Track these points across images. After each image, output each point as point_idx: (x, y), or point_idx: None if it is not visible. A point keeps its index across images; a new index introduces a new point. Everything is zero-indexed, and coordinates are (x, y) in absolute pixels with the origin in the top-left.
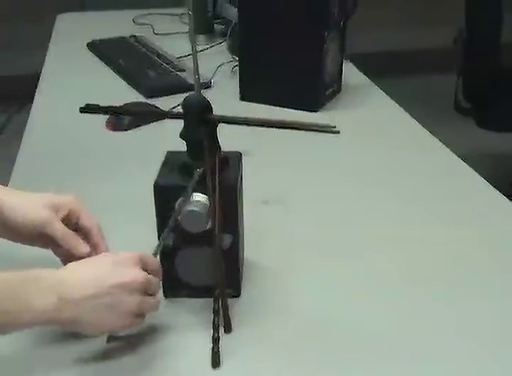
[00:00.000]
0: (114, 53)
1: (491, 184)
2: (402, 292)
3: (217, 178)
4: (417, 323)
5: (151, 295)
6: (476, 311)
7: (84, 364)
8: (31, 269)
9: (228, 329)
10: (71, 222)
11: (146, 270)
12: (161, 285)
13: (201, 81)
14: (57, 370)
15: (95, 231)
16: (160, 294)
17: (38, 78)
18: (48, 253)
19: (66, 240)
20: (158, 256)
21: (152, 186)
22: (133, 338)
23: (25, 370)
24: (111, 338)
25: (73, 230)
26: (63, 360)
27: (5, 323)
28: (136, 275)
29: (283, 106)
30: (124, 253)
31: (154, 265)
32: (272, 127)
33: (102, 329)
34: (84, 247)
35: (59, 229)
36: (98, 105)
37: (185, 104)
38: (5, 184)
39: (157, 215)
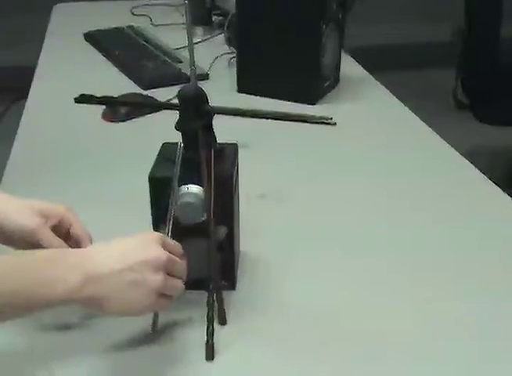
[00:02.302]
0: (111, 44)
1: (489, 178)
2: (401, 287)
3: (212, 170)
4: (415, 320)
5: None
6: (476, 310)
7: (78, 355)
8: None
9: (222, 322)
10: (62, 231)
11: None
12: None
13: (198, 72)
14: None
15: (85, 242)
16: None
17: (35, 69)
18: None
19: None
20: None
21: (147, 178)
22: (128, 329)
23: (25, 359)
24: (155, 327)
25: (64, 238)
26: (60, 351)
27: (29, 302)
28: (160, 253)
29: (280, 99)
30: (146, 232)
31: (175, 248)
32: (268, 118)
33: (125, 308)
34: None
35: (47, 238)
36: (92, 95)
37: (180, 95)
38: (1, 174)
39: (152, 207)
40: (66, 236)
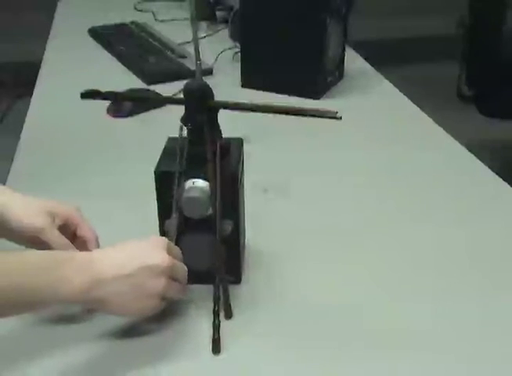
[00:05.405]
0: (115, 39)
1: (493, 171)
2: (404, 282)
3: (218, 164)
4: (415, 315)
5: (176, 281)
6: (477, 309)
7: (84, 345)
8: None
9: (228, 315)
10: (69, 231)
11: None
12: None
13: (202, 67)
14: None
15: (92, 242)
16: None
17: (39, 65)
18: None
19: (59, 248)
20: None
21: (153, 172)
22: (134, 324)
23: (29, 349)
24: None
25: (71, 238)
26: (60, 340)
27: (37, 301)
28: (164, 258)
29: (285, 93)
30: (152, 236)
31: (178, 253)
32: (273, 113)
33: (127, 310)
34: None
35: (54, 237)
36: (98, 90)
37: (186, 90)
38: (7, 171)
39: (158, 201)
40: (73, 236)
